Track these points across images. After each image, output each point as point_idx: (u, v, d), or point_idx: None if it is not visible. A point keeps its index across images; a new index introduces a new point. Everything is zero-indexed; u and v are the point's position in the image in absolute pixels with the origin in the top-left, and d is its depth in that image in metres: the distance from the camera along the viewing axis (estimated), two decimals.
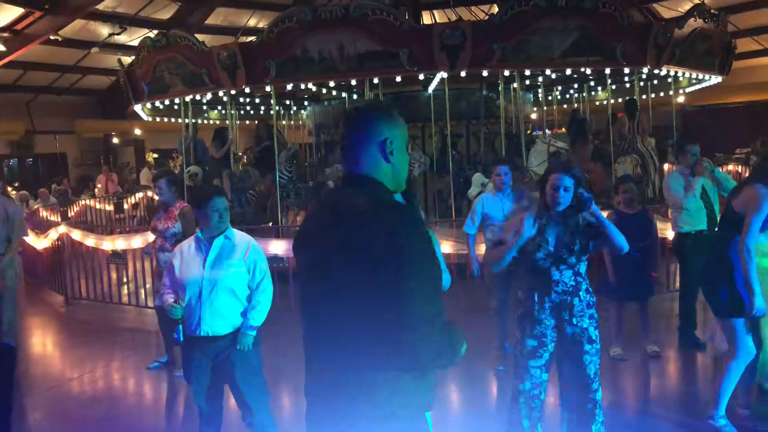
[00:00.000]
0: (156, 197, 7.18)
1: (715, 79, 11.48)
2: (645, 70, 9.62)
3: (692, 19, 9.46)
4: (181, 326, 3.36)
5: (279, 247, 7.42)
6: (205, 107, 13.34)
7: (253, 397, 3.43)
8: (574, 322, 3.34)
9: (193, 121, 11.84)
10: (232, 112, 12.88)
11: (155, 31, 11.81)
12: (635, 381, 5.31)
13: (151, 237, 6.66)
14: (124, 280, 9.36)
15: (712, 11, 10.23)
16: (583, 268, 3.40)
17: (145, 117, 12.96)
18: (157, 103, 11.19)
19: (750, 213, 3.72)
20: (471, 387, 5.10)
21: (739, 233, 3.76)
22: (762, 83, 17.63)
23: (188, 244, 3.52)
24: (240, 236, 3.52)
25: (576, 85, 13.08)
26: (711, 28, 9.96)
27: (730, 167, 13.98)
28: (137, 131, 22.50)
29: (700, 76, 11.07)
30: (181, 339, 3.39)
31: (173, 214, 5.51)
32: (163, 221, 5.53)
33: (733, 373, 3.90)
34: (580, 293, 3.38)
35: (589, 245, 3.40)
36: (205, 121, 14.37)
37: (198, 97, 10.60)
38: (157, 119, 13.21)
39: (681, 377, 5.43)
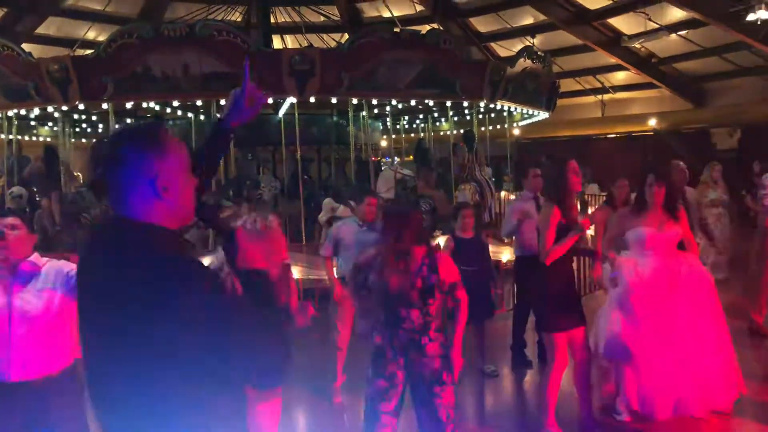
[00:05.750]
0: None
1: (543, 115, 12.59)
2: (482, 103, 10.32)
3: (522, 59, 10.34)
4: None
5: None
6: (33, 123, 12.24)
7: None
8: (425, 363, 3.25)
9: (18, 137, 10.82)
10: (66, 129, 11.94)
11: None
12: (472, 401, 5.47)
13: None
14: None
15: (539, 53, 11.26)
16: (433, 308, 3.29)
17: None
18: None
19: (541, 229, 4.16)
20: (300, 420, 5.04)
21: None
22: (582, 120, 19.61)
23: None
24: (52, 263, 3.10)
25: (421, 116, 13.72)
26: (538, 69, 10.95)
27: None
28: None
29: (531, 112, 12.10)
30: None
31: None
32: None
33: (553, 383, 4.24)
34: (430, 332, 3.29)
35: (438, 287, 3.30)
36: (34, 138, 13.18)
37: (23, 111, 9.72)
38: None
39: (515, 394, 5.71)
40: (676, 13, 13.78)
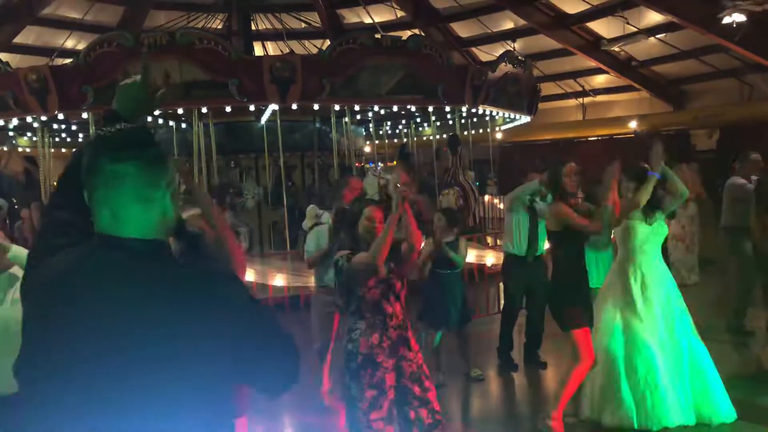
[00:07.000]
0: None
1: (525, 119, 12.66)
2: (464, 108, 10.37)
3: (503, 63, 10.41)
4: None
5: None
6: (11, 133, 12.09)
7: None
8: (411, 359, 3.23)
9: None
10: (46, 139, 11.80)
11: None
12: (457, 406, 5.44)
13: None
14: None
15: (520, 57, 11.34)
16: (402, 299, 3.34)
17: None
18: None
19: (574, 221, 4.21)
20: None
21: (568, 250, 4.26)
22: (564, 123, 19.76)
23: None
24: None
25: (404, 121, 13.74)
26: (519, 73, 11.03)
27: None
28: None
29: (513, 116, 12.16)
30: None
31: None
32: None
33: (576, 379, 4.22)
34: (409, 327, 3.30)
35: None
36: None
37: (2, 122, 9.61)
38: None
39: (502, 398, 5.68)
40: (654, 17, 13.95)
